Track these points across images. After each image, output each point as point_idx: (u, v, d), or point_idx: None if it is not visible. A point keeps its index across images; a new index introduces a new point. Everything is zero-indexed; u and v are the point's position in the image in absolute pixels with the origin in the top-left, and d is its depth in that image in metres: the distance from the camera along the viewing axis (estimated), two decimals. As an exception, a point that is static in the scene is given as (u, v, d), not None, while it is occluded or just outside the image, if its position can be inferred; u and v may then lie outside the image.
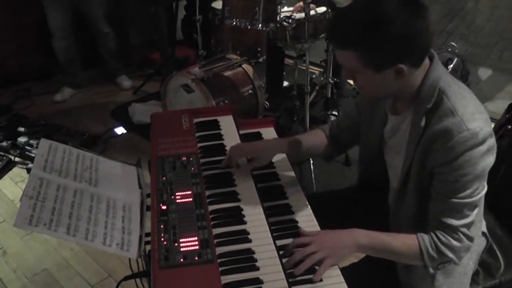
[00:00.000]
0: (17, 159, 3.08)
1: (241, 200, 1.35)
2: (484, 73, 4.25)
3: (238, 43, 3.23)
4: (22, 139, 3.12)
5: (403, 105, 1.30)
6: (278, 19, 2.85)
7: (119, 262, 2.28)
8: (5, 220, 2.61)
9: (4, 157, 3.06)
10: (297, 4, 3.10)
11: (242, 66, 2.98)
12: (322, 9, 2.97)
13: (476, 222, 1.26)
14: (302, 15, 2.74)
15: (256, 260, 1.15)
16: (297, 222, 1.31)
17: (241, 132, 1.69)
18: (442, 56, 3.17)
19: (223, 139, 1.62)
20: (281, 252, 1.20)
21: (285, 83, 3.70)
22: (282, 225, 1.30)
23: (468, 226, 1.20)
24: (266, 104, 3.15)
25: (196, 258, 1.13)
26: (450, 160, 1.14)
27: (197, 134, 1.63)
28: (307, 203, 1.38)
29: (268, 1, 2.88)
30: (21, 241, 2.47)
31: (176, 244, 1.17)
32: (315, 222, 1.32)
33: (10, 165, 3.05)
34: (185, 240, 1.18)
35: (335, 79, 3.30)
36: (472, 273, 1.39)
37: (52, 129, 3.33)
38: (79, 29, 3.76)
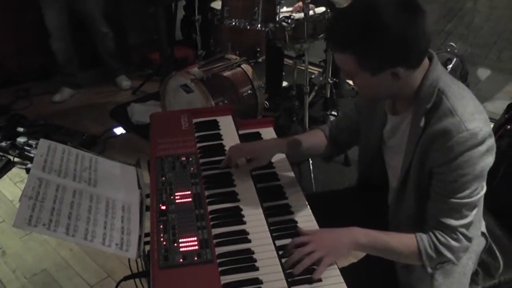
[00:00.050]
0: (16, 159, 3.08)
1: (241, 200, 1.35)
2: (483, 73, 4.25)
3: (237, 43, 3.22)
4: (21, 139, 3.12)
5: (402, 105, 1.30)
6: (277, 19, 2.85)
7: (118, 262, 2.28)
8: (4, 221, 2.61)
9: (3, 157, 3.06)
10: (296, 4, 3.10)
11: (241, 66, 2.98)
12: (321, 9, 2.96)
13: (475, 222, 1.26)
14: (301, 15, 2.74)
15: (255, 260, 1.15)
16: (296, 222, 1.31)
17: (241, 132, 1.69)
18: (441, 56, 3.17)
19: (222, 139, 1.62)
20: (280, 252, 1.19)
21: (284, 83, 3.70)
22: (282, 225, 1.30)
23: (467, 226, 1.20)
24: (266, 104, 3.15)
25: (196, 258, 1.13)
26: (449, 160, 1.15)
27: (196, 134, 1.62)
28: (307, 203, 1.38)
29: (267, 1, 2.88)
30: (20, 242, 2.47)
31: (175, 244, 1.17)
32: (315, 222, 1.32)
33: (9, 165, 3.04)
34: (184, 240, 1.18)
35: (334, 79, 3.30)
36: (472, 273, 1.39)
37: (52, 129, 3.33)
38: (78, 29, 3.75)
